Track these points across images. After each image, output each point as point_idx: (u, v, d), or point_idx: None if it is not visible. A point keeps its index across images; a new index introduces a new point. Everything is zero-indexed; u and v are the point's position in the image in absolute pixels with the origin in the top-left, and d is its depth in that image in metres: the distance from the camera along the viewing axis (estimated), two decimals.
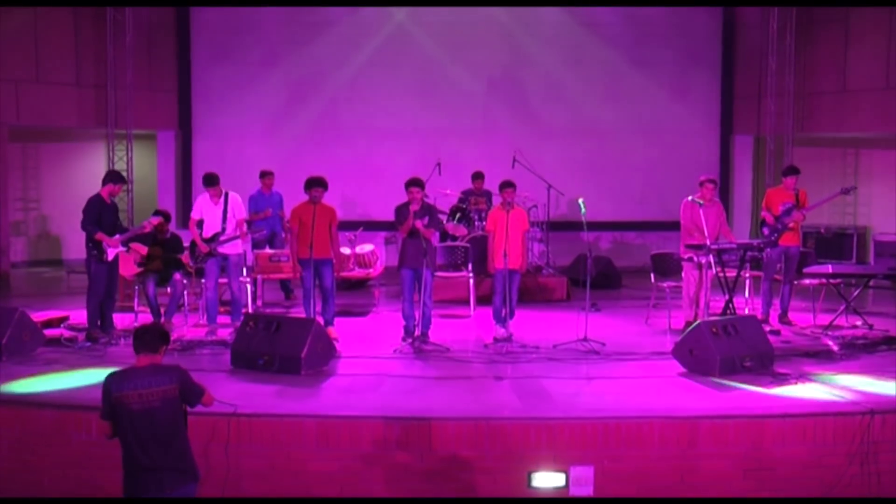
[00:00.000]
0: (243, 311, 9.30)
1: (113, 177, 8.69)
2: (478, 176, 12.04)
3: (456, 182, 12.44)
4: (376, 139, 14.36)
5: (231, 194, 8.96)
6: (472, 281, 10.33)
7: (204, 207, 8.94)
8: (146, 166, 14.94)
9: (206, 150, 14.52)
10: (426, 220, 8.33)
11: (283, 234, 11.19)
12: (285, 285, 11.25)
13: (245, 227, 9.00)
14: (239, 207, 8.96)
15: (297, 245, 8.46)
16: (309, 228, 8.34)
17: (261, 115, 14.45)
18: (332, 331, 8.70)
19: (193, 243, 8.98)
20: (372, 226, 13.30)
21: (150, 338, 4.76)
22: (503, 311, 8.58)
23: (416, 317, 8.33)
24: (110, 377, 4.71)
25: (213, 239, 8.91)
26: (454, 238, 11.33)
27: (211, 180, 8.89)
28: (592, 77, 14.57)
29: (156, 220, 9.13)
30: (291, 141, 14.38)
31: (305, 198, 8.52)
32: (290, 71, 14.44)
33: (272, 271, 10.36)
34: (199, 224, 8.97)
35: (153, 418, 4.59)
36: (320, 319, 8.20)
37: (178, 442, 4.67)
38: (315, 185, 8.50)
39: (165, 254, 9.39)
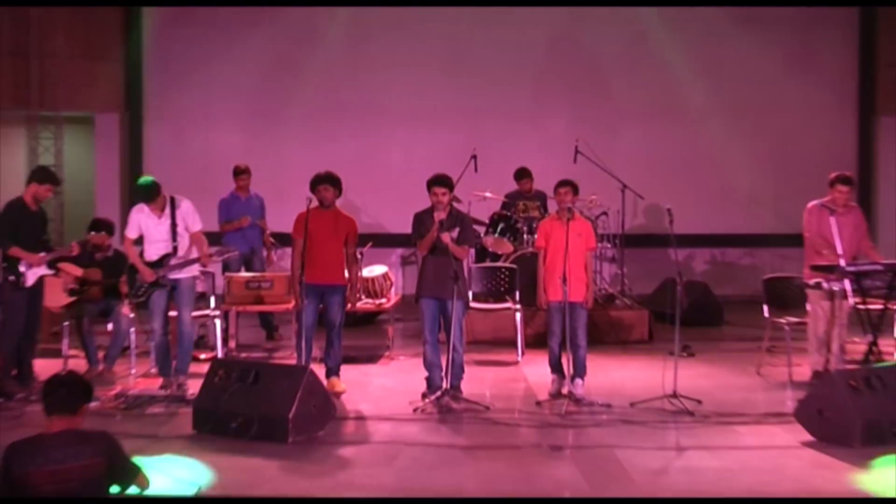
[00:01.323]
0: (204, 355, 9.45)
1: (40, 175, 8.77)
2: (525, 173, 12.03)
3: (497, 182, 12.44)
4: (390, 125, 14.49)
5: (180, 201, 8.74)
6: (519, 315, 10.32)
7: (143, 222, 8.72)
8: (81, 160, 14.97)
9: (162, 139, 14.58)
10: (455, 232, 8.37)
11: (266, 252, 11.37)
12: (268, 321, 11.31)
13: (206, 247, 8.83)
14: (192, 217, 8.78)
15: (298, 264, 8.52)
16: (319, 243, 8.52)
17: (236, 93, 14.50)
18: (337, 383, 8.86)
19: (132, 270, 8.77)
20: (384, 241, 13.31)
21: (67, 394, 4.63)
22: (563, 358, 8.59)
23: (443, 364, 8.36)
24: (12, 448, 4.55)
25: (161, 263, 8.75)
26: (495, 257, 11.36)
27: (148, 192, 8.59)
28: (682, 42, 14.53)
29: (97, 240, 9.21)
30: (276, 127, 14.47)
31: (309, 202, 8.65)
32: (276, 35, 14.49)
33: (250, 302, 10.37)
34: (138, 242, 8.84)
35: None
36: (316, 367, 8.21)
37: None
38: (322, 182, 8.67)
39: (107, 278, 9.42)
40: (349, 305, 8.91)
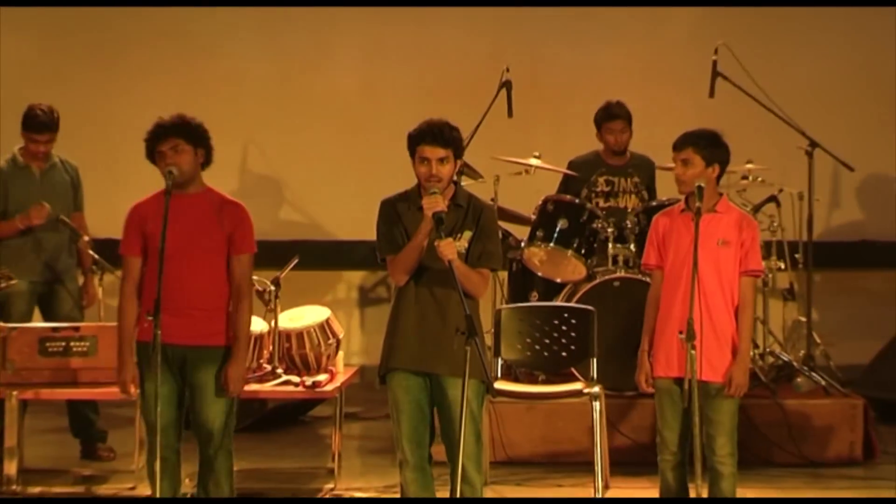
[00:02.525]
0: None
1: None
2: (618, 114, 11.87)
3: (553, 135, 12.94)
4: (337, 21, 14.51)
5: None
6: (598, 406, 9.88)
7: None
8: None
9: None
10: (465, 237, 8.10)
11: (84, 278, 11.29)
12: (85, 420, 11.15)
13: None
14: None
15: (127, 304, 8.53)
16: (173, 261, 8.31)
17: None
18: None
19: None
20: (325, 255, 13.74)
21: None
22: (690, 492, 8.45)
23: None
24: None
25: None
26: (549, 289, 11.45)
27: None
28: None
29: None
30: (107, 30, 14.47)
31: (170, 177, 8.38)
32: None
33: (50, 381, 10.09)
34: None
35: None
36: None
37: None
38: (167, 134, 8.45)
39: None
40: (230, 389, 8.46)
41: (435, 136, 7.94)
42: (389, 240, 8.10)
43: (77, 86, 13.22)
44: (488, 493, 8.57)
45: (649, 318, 8.48)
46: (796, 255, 12.01)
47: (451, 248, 7.72)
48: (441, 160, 7.92)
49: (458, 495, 7.80)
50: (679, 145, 8.40)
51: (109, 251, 11.07)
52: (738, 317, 8.33)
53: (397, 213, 8.14)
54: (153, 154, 8.39)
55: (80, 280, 11.22)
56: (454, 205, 8.03)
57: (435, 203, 7.80)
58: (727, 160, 8.46)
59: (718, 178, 8.46)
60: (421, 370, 8.04)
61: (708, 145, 8.36)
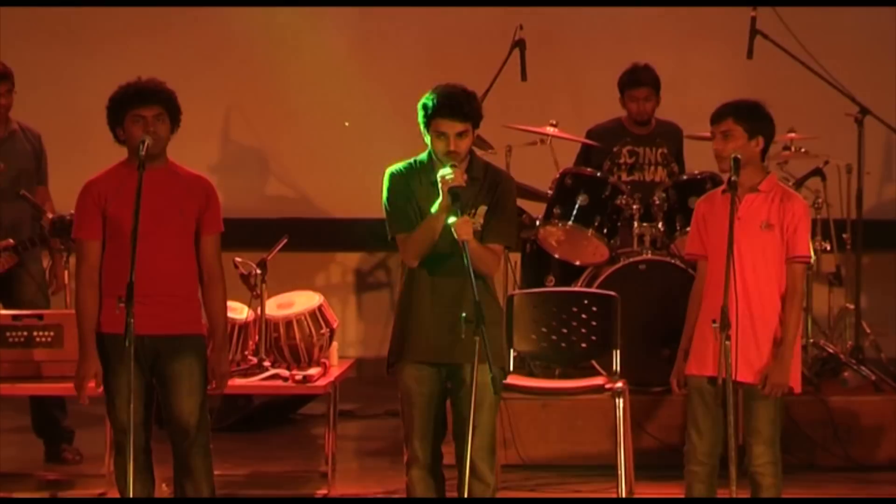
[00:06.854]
0: None
1: None
2: (642, 77, 11.99)
3: (569, 100, 13.26)
4: None
5: None
6: (621, 404, 9.93)
7: None
8: None
9: None
10: (474, 213, 8.18)
11: (56, 255, 11.30)
12: (49, 418, 11.23)
13: None
14: None
15: (88, 292, 8.50)
16: (140, 244, 8.20)
17: None
18: None
19: None
20: (317, 235, 13.85)
21: None
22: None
23: None
24: None
25: None
26: (566, 272, 11.55)
27: None
28: None
29: None
30: None
31: (142, 147, 8.30)
32: None
33: (10, 374, 10.03)
34: None
35: None
36: None
37: None
38: (145, 101, 8.44)
39: None
40: (212, 386, 8.65)
41: (453, 108, 8.00)
42: (402, 215, 8.18)
43: (37, 46, 13.20)
44: (506, 495, 8.70)
45: (692, 314, 8.54)
46: (843, 235, 12.10)
47: (468, 228, 7.87)
48: (460, 134, 8.00)
49: (465, 492, 7.83)
50: (718, 116, 8.43)
51: None
52: (783, 308, 8.38)
53: (409, 186, 8.21)
54: (122, 118, 8.36)
55: (46, 262, 11.30)
56: (470, 178, 8.07)
57: (452, 177, 7.92)
58: (772, 133, 8.55)
59: (763, 153, 8.50)
60: (437, 361, 8.15)
61: (750, 116, 8.43)
